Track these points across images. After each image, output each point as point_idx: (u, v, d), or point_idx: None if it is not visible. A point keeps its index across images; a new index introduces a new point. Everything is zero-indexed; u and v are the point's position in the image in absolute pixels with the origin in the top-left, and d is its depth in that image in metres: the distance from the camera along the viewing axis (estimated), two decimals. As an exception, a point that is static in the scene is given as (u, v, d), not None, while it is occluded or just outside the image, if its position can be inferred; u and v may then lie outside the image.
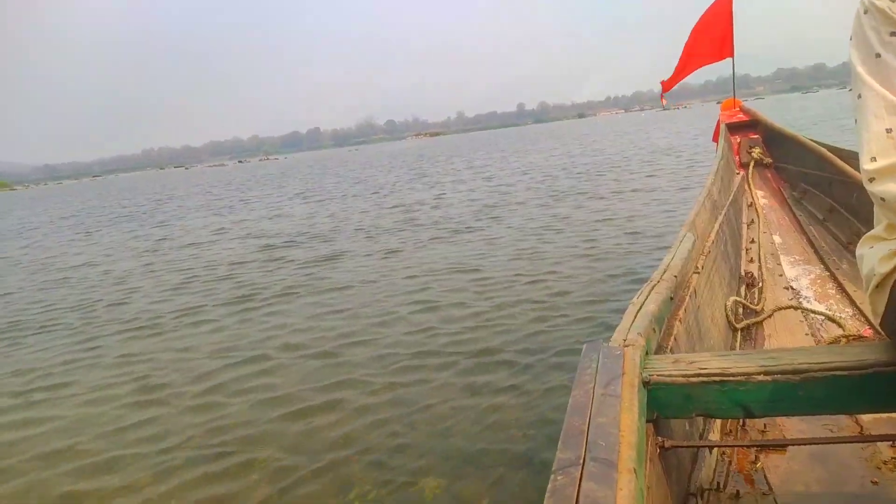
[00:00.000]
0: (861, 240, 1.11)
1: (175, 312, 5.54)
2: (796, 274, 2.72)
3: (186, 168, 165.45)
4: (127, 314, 5.69)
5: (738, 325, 2.11)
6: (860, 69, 1.01)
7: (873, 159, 0.97)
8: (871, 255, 1.05)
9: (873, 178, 0.98)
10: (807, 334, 2.11)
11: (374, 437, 2.77)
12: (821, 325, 2.17)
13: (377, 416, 2.97)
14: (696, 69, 4.63)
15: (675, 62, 4.74)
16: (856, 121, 1.02)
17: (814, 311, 2.26)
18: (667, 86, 4.80)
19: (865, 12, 1.01)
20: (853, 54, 1.03)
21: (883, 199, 0.97)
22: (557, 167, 17.55)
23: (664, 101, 5.36)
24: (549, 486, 0.72)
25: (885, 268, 1.01)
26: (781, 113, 29.89)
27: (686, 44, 4.58)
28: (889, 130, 0.96)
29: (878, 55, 0.98)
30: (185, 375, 3.86)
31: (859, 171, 1.01)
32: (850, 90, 1.04)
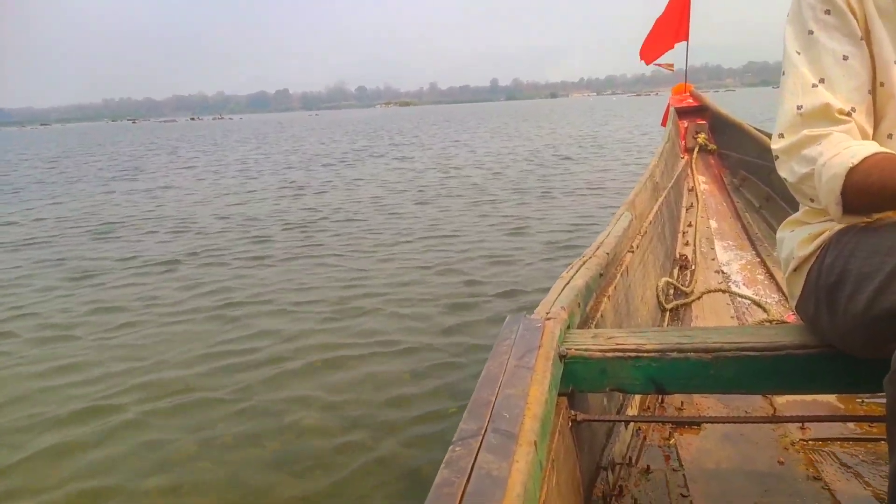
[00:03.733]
0: (782, 224, 1.10)
1: None
2: (728, 259, 2.74)
3: (134, 122, 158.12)
4: None
5: (668, 306, 2.11)
6: (790, 46, 0.98)
7: (781, 136, 0.95)
8: (791, 238, 1.05)
9: (778, 157, 0.97)
10: (732, 317, 2.13)
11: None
12: (747, 309, 2.18)
13: None
14: (662, 53, 4.65)
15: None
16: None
17: (741, 296, 2.27)
18: (647, 55, 4.75)
19: None
20: (788, 31, 1.00)
21: (786, 179, 0.97)
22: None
23: (658, 64, 4.97)
24: (446, 456, 0.70)
25: (803, 251, 1.00)
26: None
27: (657, 20, 4.60)
28: (799, 107, 0.93)
29: (811, 32, 0.96)
30: None
31: None
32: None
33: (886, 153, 0.85)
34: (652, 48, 4.68)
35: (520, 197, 7.93)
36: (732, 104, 35.40)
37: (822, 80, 0.93)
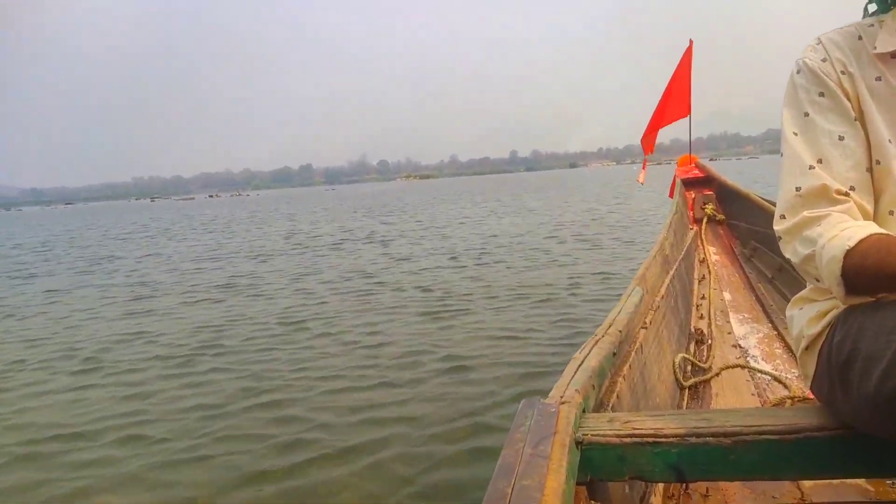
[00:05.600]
0: (791, 301, 1.09)
1: None
2: (745, 332, 2.65)
3: (153, 200, 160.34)
4: None
5: (686, 383, 2.02)
6: (787, 129, 1.00)
7: (782, 217, 0.97)
8: (800, 316, 1.04)
9: (781, 238, 0.98)
10: (753, 394, 2.04)
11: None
12: (767, 385, 2.10)
13: None
14: (665, 125, 4.56)
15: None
16: None
17: (760, 371, 2.20)
18: (647, 144, 4.68)
19: (798, 72, 1.01)
20: (784, 114, 1.02)
21: (791, 259, 0.97)
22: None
23: (642, 175, 5.25)
24: None
25: (813, 329, 0.99)
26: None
27: (659, 101, 4.55)
28: (798, 189, 0.95)
29: (807, 114, 0.98)
30: None
31: None
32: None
33: (883, 234, 0.85)
34: (650, 137, 4.61)
35: (520, 303, 5.63)
36: (762, 173, 33.29)
37: (819, 161, 0.95)
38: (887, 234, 0.84)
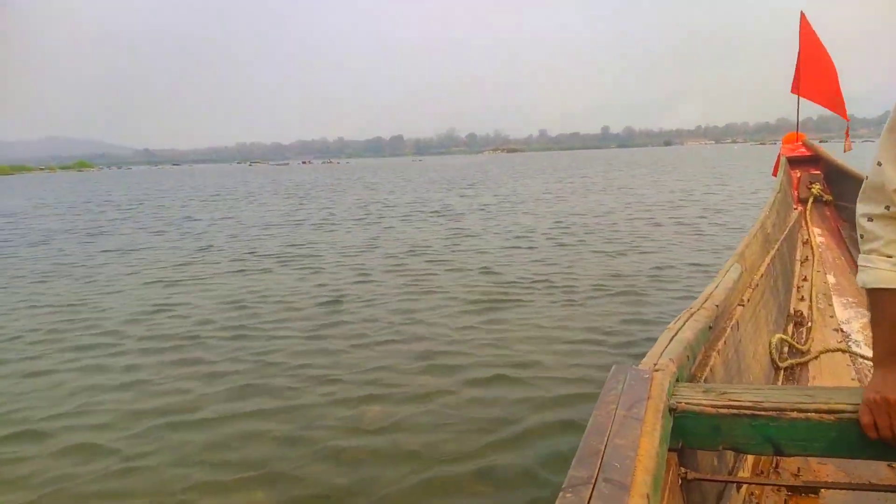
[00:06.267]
0: None
1: None
2: (848, 316, 2.55)
3: (250, 164, 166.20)
4: None
5: (782, 364, 1.96)
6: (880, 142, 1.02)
7: (859, 199, 1.03)
8: None
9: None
10: (853, 379, 1.97)
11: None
12: (869, 371, 1.97)
13: None
14: (831, 108, 4.26)
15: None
16: None
17: (862, 356, 2.09)
18: (842, 113, 4.28)
19: None
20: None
21: None
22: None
23: (847, 142, 4.49)
24: (557, 503, 0.68)
25: None
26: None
27: (803, 75, 4.20)
28: (867, 178, 1.01)
29: (892, 129, 0.99)
30: None
31: None
32: None
33: (886, 297, 0.93)
34: (814, 86, 4.17)
35: (595, 295, 4.78)
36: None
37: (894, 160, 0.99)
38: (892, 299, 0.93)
